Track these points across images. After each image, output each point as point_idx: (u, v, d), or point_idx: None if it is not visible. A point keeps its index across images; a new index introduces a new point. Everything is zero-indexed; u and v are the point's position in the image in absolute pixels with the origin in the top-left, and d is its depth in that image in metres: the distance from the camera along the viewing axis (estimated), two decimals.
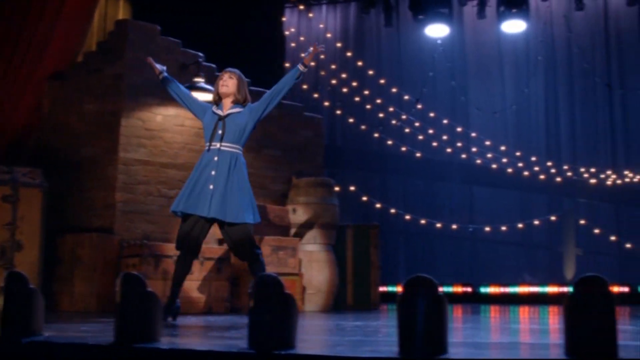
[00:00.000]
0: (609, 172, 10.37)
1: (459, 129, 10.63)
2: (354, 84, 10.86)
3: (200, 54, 7.70)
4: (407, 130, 10.65)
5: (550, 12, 11.04)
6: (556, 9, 11.01)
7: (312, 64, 4.93)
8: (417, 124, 10.63)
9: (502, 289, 10.01)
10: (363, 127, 10.75)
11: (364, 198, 10.44)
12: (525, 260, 10.75)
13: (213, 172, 4.94)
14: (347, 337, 4.20)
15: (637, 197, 10.46)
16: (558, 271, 10.25)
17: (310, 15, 11.27)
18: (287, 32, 11.15)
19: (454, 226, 10.43)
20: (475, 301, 9.86)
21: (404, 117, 10.68)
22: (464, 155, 10.57)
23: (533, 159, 10.48)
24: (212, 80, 7.42)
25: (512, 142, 10.71)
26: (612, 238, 10.15)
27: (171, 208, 5.04)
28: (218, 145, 4.99)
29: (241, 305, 6.87)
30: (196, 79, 7.30)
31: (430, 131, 10.59)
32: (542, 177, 10.45)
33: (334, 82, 10.89)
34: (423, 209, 10.71)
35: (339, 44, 11.10)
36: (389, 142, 10.65)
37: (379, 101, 10.78)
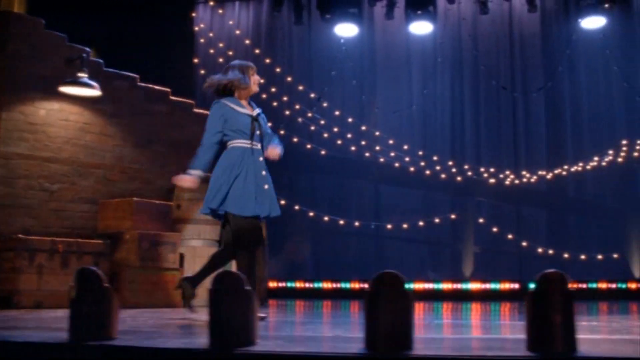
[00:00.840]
0: (507, 172, 10.63)
1: (363, 128, 10.77)
2: (262, 81, 10.87)
3: (87, 49, 7.66)
4: (312, 128, 10.75)
5: (458, 14, 11.26)
6: (464, 12, 11.23)
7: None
8: (322, 122, 10.74)
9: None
10: (270, 124, 10.78)
11: None
12: (429, 257, 10.93)
13: (263, 172, 5.05)
14: (183, 329, 4.27)
15: (534, 197, 10.76)
16: (458, 268, 10.47)
17: (221, 11, 11.27)
18: (196, 28, 11.14)
19: (357, 223, 10.57)
20: (345, 297, 10.00)
21: (309, 114, 10.78)
22: (367, 154, 10.71)
23: (435, 158, 10.68)
24: (96, 75, 7.41)
25: (417, 142, 10.87)
26: (510, 236, 10.42)
27: (236, 211, 4.91)
28: (259, 145, 5.09)
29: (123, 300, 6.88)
30: (80, 74, 7.27)
31: (335, 129, 10.71)
32: (443, 176, 10.66)
33: None
34: (331, 206, 10.82)
35: (247, 41, 11.13)
36: (295, 140, 10.74)
37: (285, 99, 10.85)
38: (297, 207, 10.52)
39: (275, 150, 5.16)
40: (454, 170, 10.64)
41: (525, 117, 11.10)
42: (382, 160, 10.72)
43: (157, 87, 7.88)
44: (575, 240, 10.49)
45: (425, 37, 11.12)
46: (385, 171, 10.73)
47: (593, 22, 10.69)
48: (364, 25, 11.07)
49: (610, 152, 10.53)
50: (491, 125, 11.09)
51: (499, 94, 11.10)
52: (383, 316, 2.97)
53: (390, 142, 10.68)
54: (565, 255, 10.29)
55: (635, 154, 10.53)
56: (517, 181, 10.59)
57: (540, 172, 10.60)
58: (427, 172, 10.63)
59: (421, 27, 10.97)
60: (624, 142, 10.55)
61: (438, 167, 10.66)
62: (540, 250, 10.35)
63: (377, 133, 10.75)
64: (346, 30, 10.97)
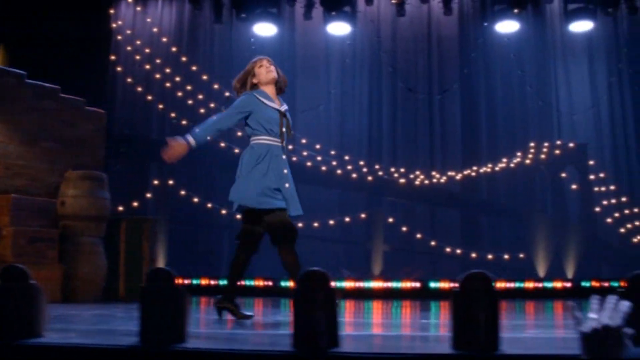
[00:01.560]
0: (417, 173, 10.76)
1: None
2: (177, 79, 10.95)
3: None
4: None
5: (378, 16, 11.36)
6: (382, 13, 11.33)
7: None
8: None
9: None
10: (184, 122, 10.84)
11: (182, 193, 10.57)
12: (344, 256, 11.03)
13: (285, 171, 4.98)
14: (76, 325, 4.34)
15: (444, 197, 10.88)
16: (368, 267, 10.56)
17: (138, 8, 11.27)
18: (114, 25, 11.14)
19: None
20: (279, 294, 10.07)
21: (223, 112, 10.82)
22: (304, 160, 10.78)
23: (346, 157, 10.78)
24: None
25: (334, 142, 10.95)
26: (418, 236, 10.56)
27: (260, 205, 4.89)
28: (283, 143, 5.04)
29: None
30: None
31: None
32: (354, 175, 10.76)
33: (157, 76, 10.94)
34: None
35: (164, 39, 11.15)
36: (209, 137, 10.74)
37: (200, 97, 10.90)
38: (209, 205, 10.58)
39: None
40: (365, 170, 10.76)
41: (441, 119, 11.23)
42: (295, 159, 10.78)
43: (46, 85, 7.89)
44: (484, 240, 10.67)
45: (344, 38, 11.21)
46: (298, 170, 10.76)
47: (506, 27, 10.87)
48: (284, 25, 11.14)
49: (519, 154, 10.72)
50: (408, 125, 11.20)
51: (416, 95, 11.22)
52: (313, 314, 2.99)
53: (303, 141, 10.76)
54: (473, 255, 10.46)
55: (543, 156, 10.72)
56: (427, 181, 10.73)
57: (449, 173, 10.75)
58: (339, 171, 10.73)
59: (339, 28, 11.07)
60: (532, 144, 10.74)
61: (350, 167, 10.76)
62: (448, 249, 10.50)
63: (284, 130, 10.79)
64: (265, 29, 11.04)
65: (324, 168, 10.78)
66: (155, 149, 10.54)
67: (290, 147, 10.71)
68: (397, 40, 11.38)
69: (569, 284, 10.12)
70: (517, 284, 9.81)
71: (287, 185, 4.96)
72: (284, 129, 5.01)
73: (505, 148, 10.77)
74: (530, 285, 9.84)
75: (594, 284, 10.09)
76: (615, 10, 10.48)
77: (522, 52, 11.05)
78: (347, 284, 9.94)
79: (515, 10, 10.59)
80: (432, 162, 10.99)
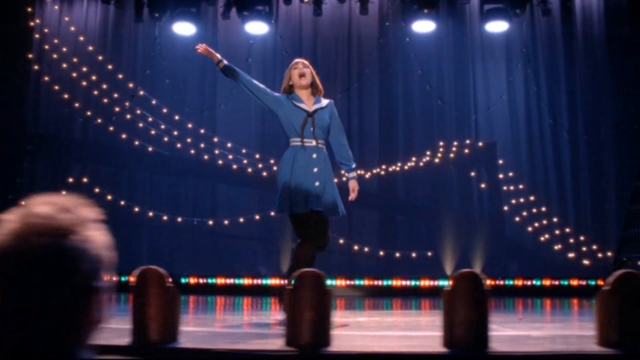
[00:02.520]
0: None
1: (189, 125, 10.95)
2: (93, 77, 11.06)
3: None
4: (140, 125, 10.91)
5: (300, 14, 11.43)
6: (304, 13, 11.39)
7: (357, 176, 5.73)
8: (150, 120, 10.91)
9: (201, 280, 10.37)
10: (99, 120, 10.96)
11: (97, 190, 10.70)
12: (261, 253, 11.13)
13: (315, 170, 5.12)
14: None
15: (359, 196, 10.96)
16: (277, 264, 10.66)
17: (56, 7, 11.35)
18: (31, 23, 11.22)
19: (179, 219, 10.77)
20: (211, 292, 10.21)
21: (138, 112, 10.95)
22: (192, 151, 10.89)
23: (257, 156, 10.87)
24: None
25: (250, 141, 11.01)
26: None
27: (292, 210, 5.14)
28: (313, 142, 5.18)
29: None
30: None
31: (162, 126, 10.90)
32: (265, 174, 10.87)
33: (74, 75, 11.05)
34: (168, 204, 10.91)
35: (82, 38, 11.24)
36: (123, 137, 10.89)
37: (115, 95, 11.02)
38: (122, 203, 10.71)
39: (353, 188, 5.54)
40: (259, 165, 10.84)
41: (360, 119, 11.30)
42: (206, 157, 10.91)
43: None
44: (393, 238, 10.77)
45: (264, 37, 11.26)
46: (212, 169, 10.88)
47: (424, 26, 10.93)
48: (205, 24, 11.20)
49: (428, 153, 10.81)
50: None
51: (336, 95, 11.29)
52: (305, 313, 3.14)
53: (215, 139, 10.87)
54: (381, 253, 10.59)
55: (452, 155, 10.81)
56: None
57: (359, 172, 10.84)
58: (249, 169, 10.84)
59: (257, 28, 11.12)
60: (441, 143, 10.83)
61: (260, 165, 10.87)
62: (356, 247, 10.63)
63: (202, 131, 10.93)
64: (185, 29, 11.10)
65: (234, 166, 10.87)
66: (67, 147, 10.86)
67: (202, 145, 10.93)
68: (318, 40, 11.46)
69: None
70: (412, 282, 9.95)
71: (317, 184, 5.10)
72: (311, 128, 5.16)
73: (417, 147, 10.86)
74: (425, 283, 9.98)
75: (500, 282, 10.24)
76: (522, 12, 10.56)
77: (441, 52, 11.12)
78: (245, 281, 10.08)
79: (425, 11, 10.65)
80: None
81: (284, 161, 5.18)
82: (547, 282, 10.40)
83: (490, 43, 11.12)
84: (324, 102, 5.34)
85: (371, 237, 10.67)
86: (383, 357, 3.07)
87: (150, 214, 10.73)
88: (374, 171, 10.87)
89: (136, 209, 10.73)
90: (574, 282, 10.25)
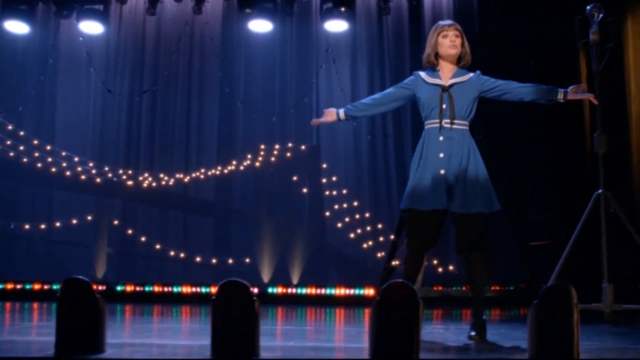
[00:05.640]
0: (146, 175, 10.61)
1: (9, 127, 10.77)
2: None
3: None
4: None
5: (136, 14, 11.24)
6: (139, 12, 11.18)
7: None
8: None
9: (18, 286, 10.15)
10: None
11: None
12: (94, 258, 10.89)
13: (441, 155, 4.29)
14: None
15: (170, 199, 10.69)
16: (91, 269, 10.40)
17: None
18: None
19: None
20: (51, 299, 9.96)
21: None
22: (12, 154, 10.71)
23: (76, 159, 10.67)
24: None
25: (74, 147, 10.79)
26: (143, 239, 10.42)
27: (409, 206, 4.35)
28: (445, 123, 4.32)
29: None
30: None
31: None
32: (83, 177, 10.64)
33: None
34: (7, 209, 10.74)
35: None
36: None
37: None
38: None
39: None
40: (94, 171, 10.64)
41: (199, 120, 11.06)
42: (25, 160, 10.70)
43: None
44: (208, 244, 10.49)
45: (101, 37, 11.06)
46: (22, 171, 10.68)
47: (261, 26, 10.66)
48: (36, 22, 11.03)
49: (249, 156, 10.52)
50: (166, 128, 11.03)
51: (177, 96, 11.08)
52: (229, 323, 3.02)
53: (35, 142, 10.69)
54: (198, 259, 10.30)
55: (273, 158, 10.50)
56: (154, 184, 10.59)
57: (177, 175, 10.60)
58: (68, 173, 10.63)
59: (92, 27, 10.91)
60: (262, 146, 10.53)
61: (79, 168, 10.65)
62: (172, 253, 10.36)
63: (22, 133, 10.75)
64: (17, 27, 10.89)
65: (53, 170, 10.67)
66: None
67: (22, 147, 10.73)
68: (160, 40, 11.24)
69: (293, 290, 9.91)
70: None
71: (442, 172, 4.26)
72: (444, 105, 4.31)
73: (237, 150, 10.58)
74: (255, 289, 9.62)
75: (317, 291, 9.89)
76: (348, 9, 10.18)
77: (284, 52, 10.85)
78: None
79: (247, 10, 10.38)
80: (187, 164, 10.81)
81: (418, 146, 4.41)
82: (369, 291, 9.98)
83: (330, 42, 10.73)
84: (467, 75, 4.43)
85: (180, 240, 10.43)
86: None
87: None
88: (193, 175, 10.59)
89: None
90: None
